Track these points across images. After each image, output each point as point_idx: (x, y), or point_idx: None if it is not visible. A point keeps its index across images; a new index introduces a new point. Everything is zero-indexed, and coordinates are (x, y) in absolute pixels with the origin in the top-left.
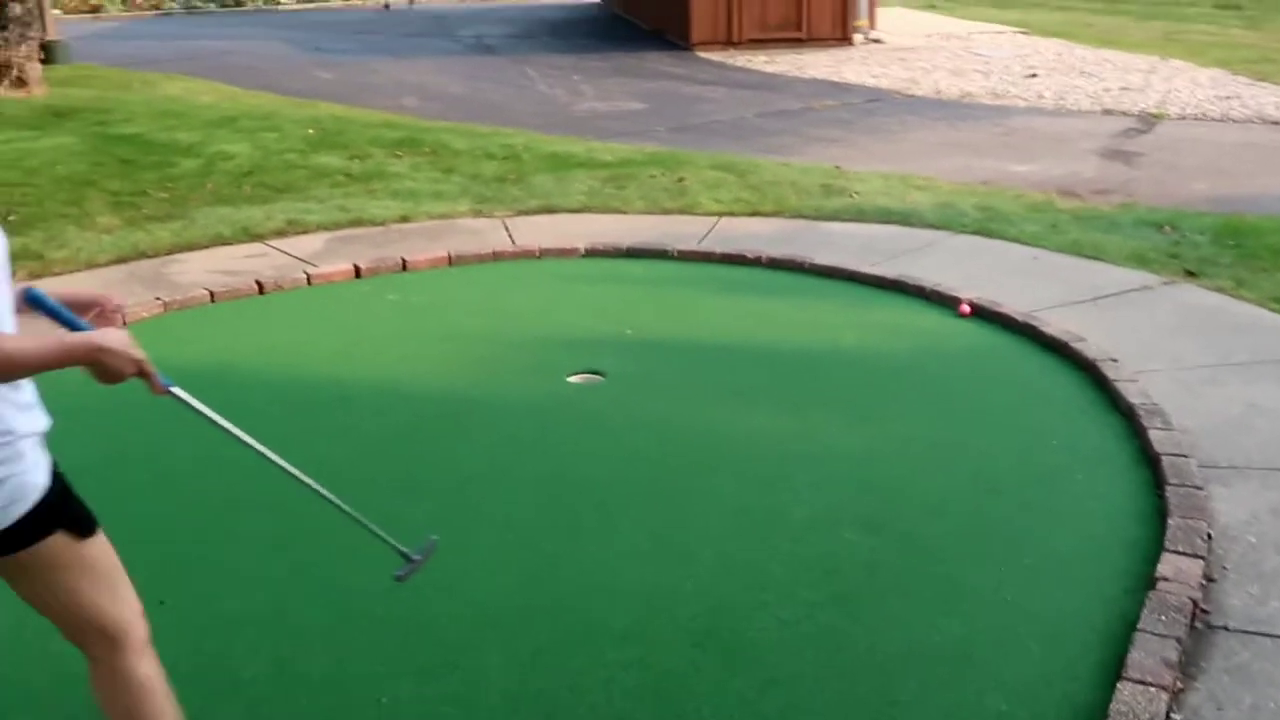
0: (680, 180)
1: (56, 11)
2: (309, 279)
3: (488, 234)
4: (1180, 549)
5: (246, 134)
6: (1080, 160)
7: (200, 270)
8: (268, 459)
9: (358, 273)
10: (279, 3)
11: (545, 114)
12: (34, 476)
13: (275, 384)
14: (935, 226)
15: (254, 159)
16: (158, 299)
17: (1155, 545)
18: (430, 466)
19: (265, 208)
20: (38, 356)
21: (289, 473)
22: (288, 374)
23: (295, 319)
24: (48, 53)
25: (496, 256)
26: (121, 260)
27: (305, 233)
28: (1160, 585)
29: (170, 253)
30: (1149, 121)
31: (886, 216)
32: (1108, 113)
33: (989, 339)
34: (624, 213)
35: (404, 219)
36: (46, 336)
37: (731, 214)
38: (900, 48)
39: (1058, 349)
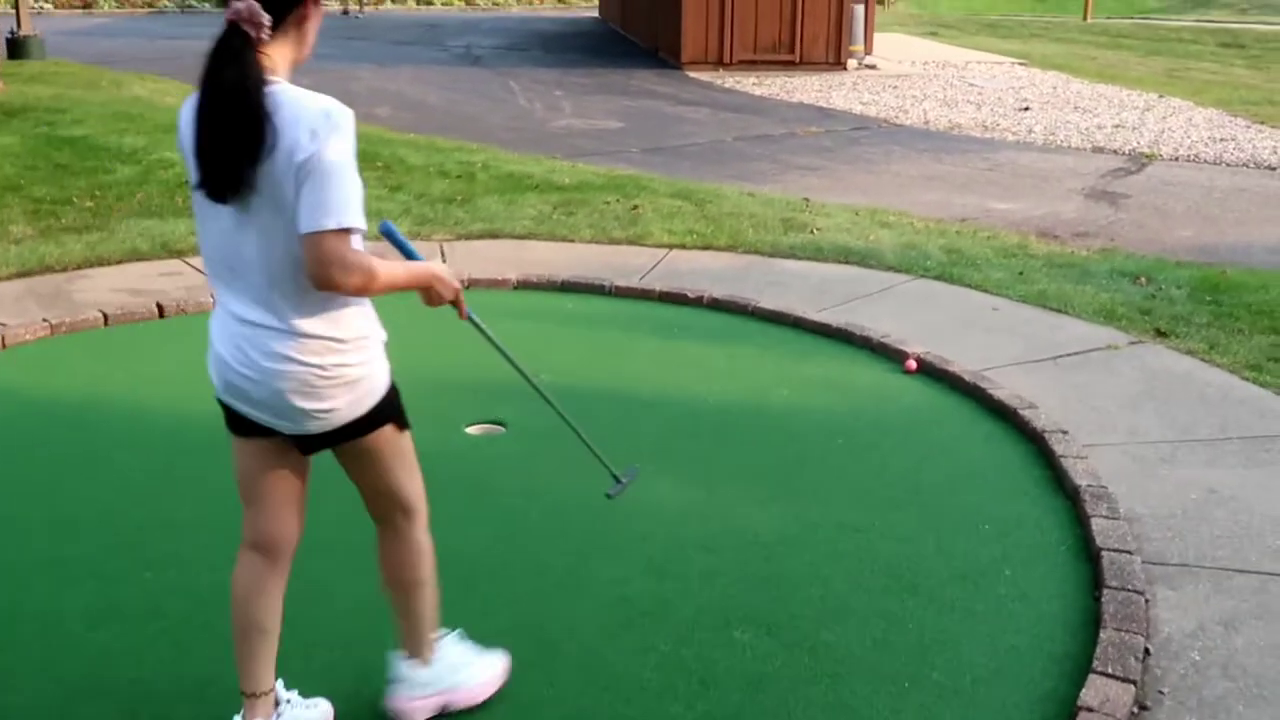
0: (634, 208)
1: (48, 5)
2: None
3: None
4: (1111, 670)
5: None
6: (1064, 200)
7: (105, 289)
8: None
9: None
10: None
11: (518, 129)
12: (383, 375)
13: (131, 425)
14: (895, 269)
15: None
16: (45, 320)
17: (1084, 661)
18: None
19: (191, 221)
20: (395, 277)
21: (535, 387)
22: (155, 411)
23: (187, 347)
24: (19, 48)
25: None
26: (24, 274)
27: None
28: (1082, 717)
29: (80, 267)
30: (1139, 161)
31: (845, 255)
32: (1098, 150)
33: (933, 400)
34: (571, 241)
35: None
36: (396, 262)
37: (683, 246)
38: (894, 74)
39: (1006, 415)
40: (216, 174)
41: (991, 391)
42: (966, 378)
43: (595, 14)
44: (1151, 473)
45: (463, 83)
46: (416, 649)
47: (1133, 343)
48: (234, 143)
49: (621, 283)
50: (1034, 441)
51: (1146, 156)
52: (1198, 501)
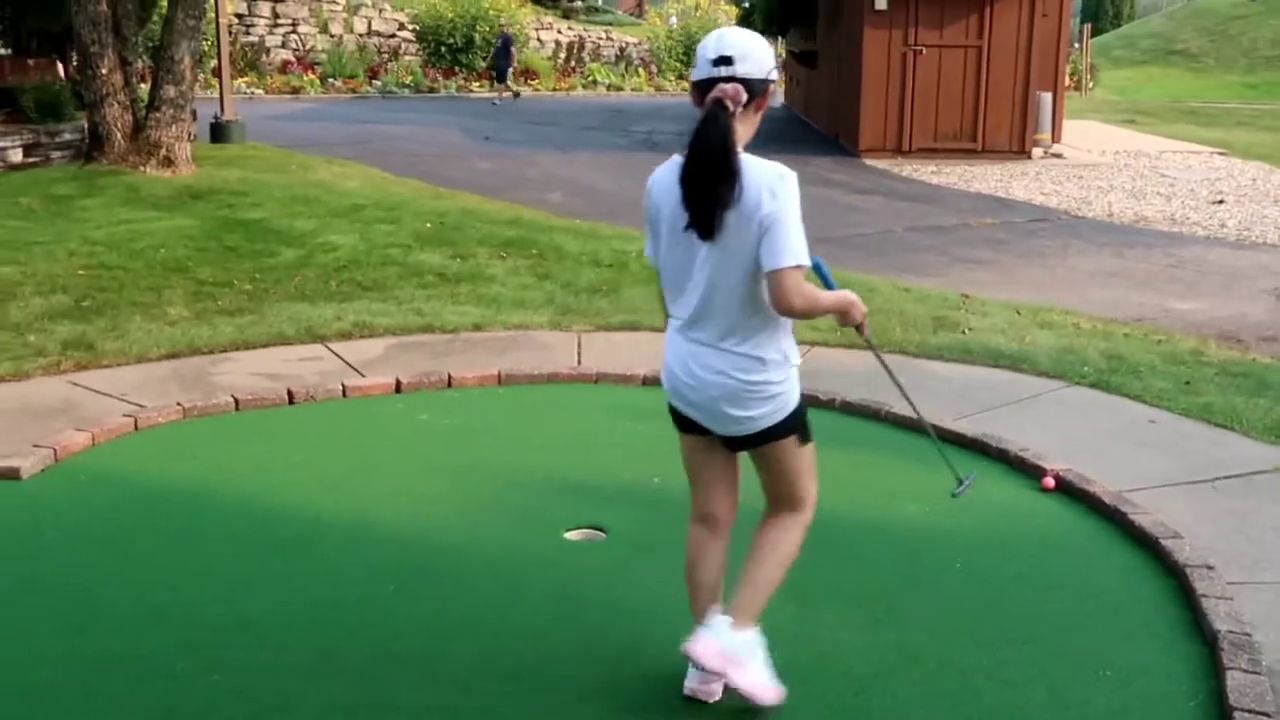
0: None
1: (259, 90)
2: (344, 391)
3: (557, 349)
4: None
5: (363, 224)
6: (1252, 300)
7: (246, 373)
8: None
9: (398, 387)
10: (470, 90)
11: None
12: (796, 394)
13: (235, 514)
14: (1048, 374)
15: (355, 252)
16: (178, 404)
17: None
18: (347, 635)
19: (341, 306)
20: (824, 302)
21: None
22: (259, 503)
23: (308, 437)
24: (221, 132)
25: (550, 379)
26: (173, 355)
27: (371, 336)
28: None
29: (226, 350)
30: None
31: (996, 359)
32: None
33: (1067, 524)
34: None
35: (477, 327)
36: (824, 291)
37: (825, 344)
38: (1081, 164)
39: (1147, 544)
40: (702, 217)
41: (1133, 516)
42: (1107, 499)
43: (781, 100)
44: None
45: (638, 169)
46: (741, 614)
47: None
48: (714, 192)
49: None
50: (1175, 576)
51: None
52: None
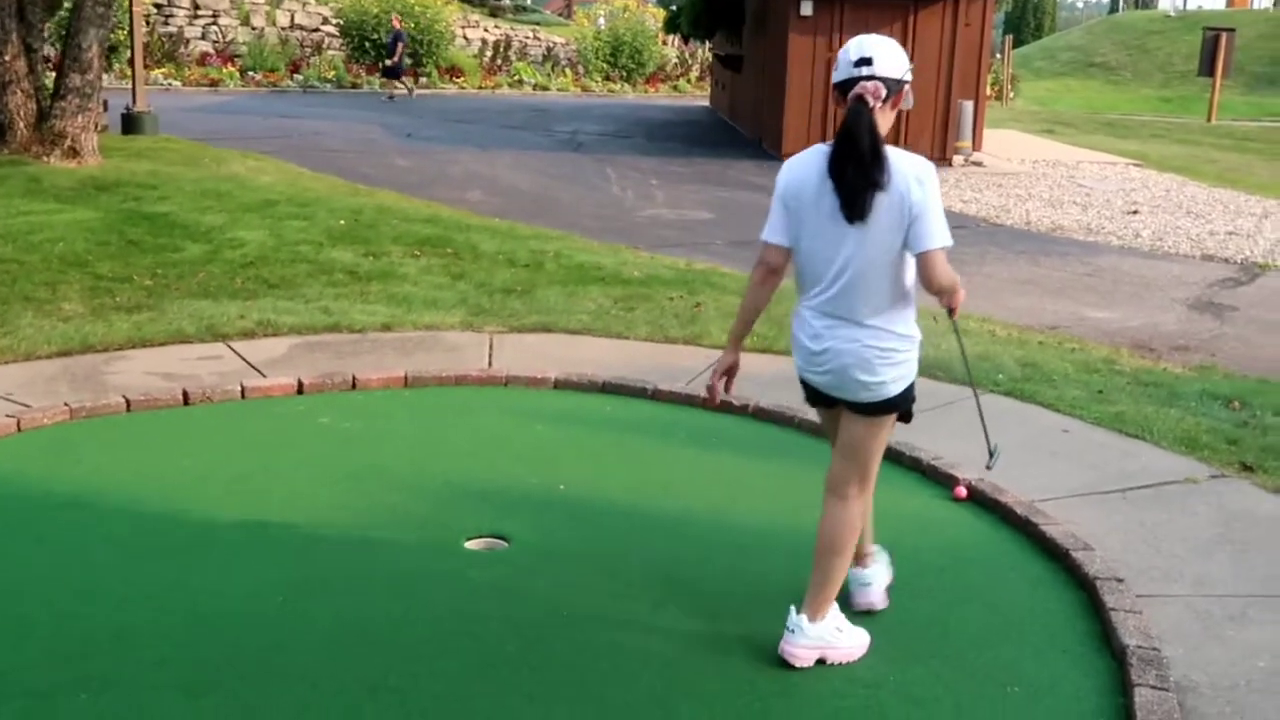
0: (697, 305)
1: (176, 82)
2: (243, 391)
3: (467, 351)
4: None
5: (275, 220)
6: (1165, 310)
7: (140, 372)
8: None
9: (300, 388)
10: (394, 88)
11: (606, 217)
12: (914, 371)
13: (120, 520)
14: (961, 381)
15: (264, 248)
16: (65, 405)
17: None
18: (228, 650)
19: (245, 304)
20: (956, 281)
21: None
22: (146, 508)
23: (202, 440)
24: (133, 124)
25: (459, 381)
26: (65, 353)
27: (275, 335)
28: None
29: (122, 348)
30: (1252, 271)
31: None
32: (1208, 258)
33: (978, 535)
34: (625, 338)
35: (386, 327)
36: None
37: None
38: (1000, 172)
39: (1058, 556)
40: (854, 201)
41: (1044, 527)
42: (1019, 510)
43: (706, 103)
44: (1216, 633)
45: (560, 168)
46: (814, 607)
47: (1214, 476)
48: (867, 176)
49: (665, 386)
50: (1085, 589)
51: (1260, 266)
52: (1266, 671)
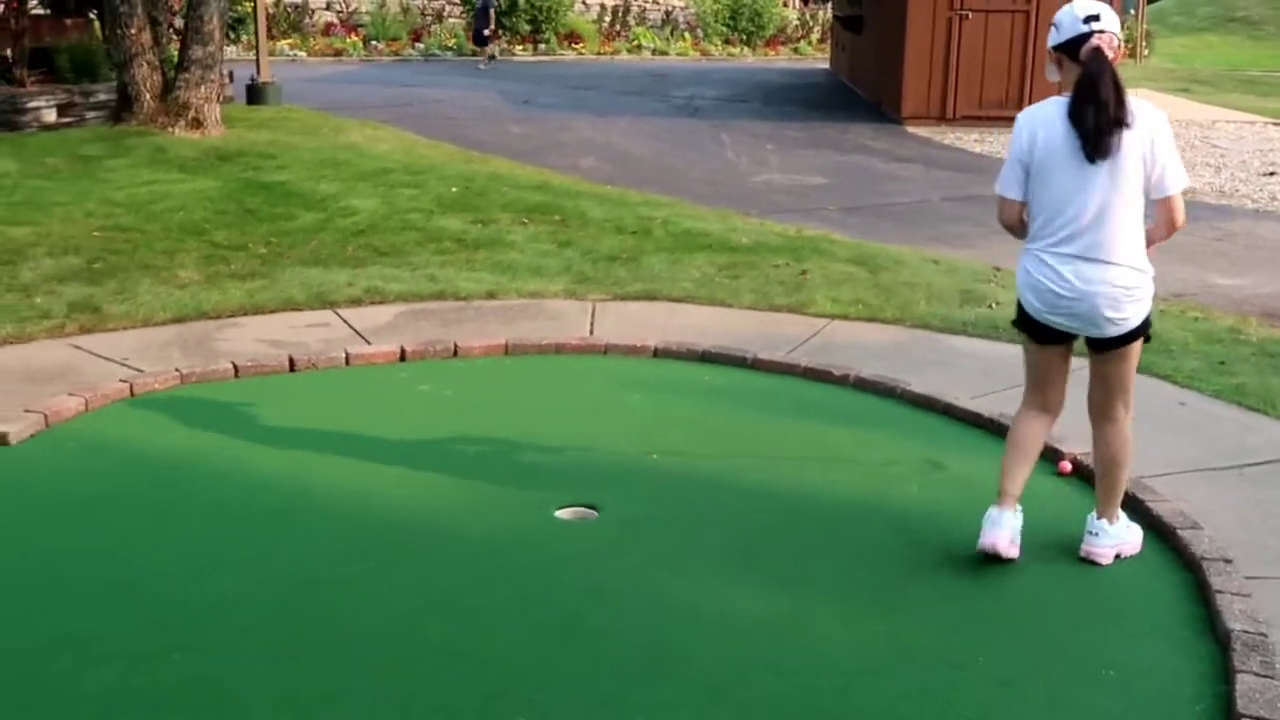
0: (803, 273)
1: (301, 53)
2: (347, 359)
3: (569, 319)
4: None
5: (387, 188)
6: None
7: (250, 339)
8: None
9: (403, 355)
10: (513, 54)
11: (718, 183)
12: (1151, 301)
13: (220, 485)
14: (1077, 353)
15: (375, 216)
16: (176, 370)
17: None
18: (314, 617)
19: (354, 272)
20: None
21: None
22: (245, 474)
23: (304, 406)
24: (256, 94)
25: (559, 349)
26: (179, 319)
27: (381, 303)
28: None
29: (234, 315)
30: None
31: None
32: None
33: (1082, 512)
34: (729, 306)
35: (490, 295)
36: None
37: (845, 317)
38: None
39: (1164, 535)
40: (1101, 139)
41: (1151, 504)
42: (1127, 486)
43: (826, 66)
44: None
45: (675, 134)
46: (1109, 512)
47: None
48: (1116, 116)
49: (766, 355)
50: (1191, 569)
51: None
52: None
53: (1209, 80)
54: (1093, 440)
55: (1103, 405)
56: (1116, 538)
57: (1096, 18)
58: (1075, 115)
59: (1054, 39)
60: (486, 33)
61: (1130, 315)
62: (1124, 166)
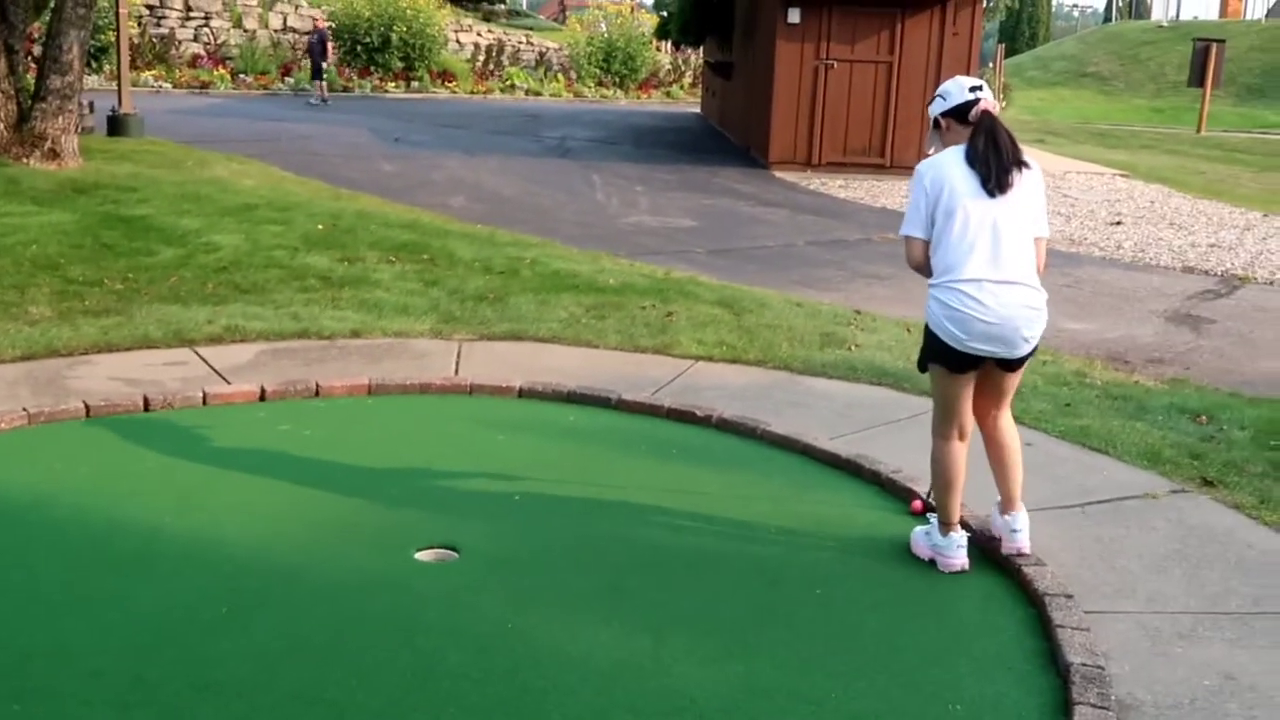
0: (669, 315)
1: (166, 85)
2: (205, 398)
3: (434, 359)
4: None
5: (251, 225)
6: (1143, 322)
7: (103, 377)
8: None
9: (263, 395)
10: (386, 91)
11: (587, 224)
12: None
13: (69, 529)
14: (928, 394)
15: (238, 253)
16: (23, 410)
17: None
18: (167, 663)
19: (214, 309)
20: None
21: None
22: (96, 518)
23: (159, 447)
24: (118, 126)
25: (423, 389)
26: (29, 357)
27: (242, 341)
28: None
29: (87, 353)
30: (1231, 284)
31: (880, 376)
32: (1188, 270)
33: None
34: (595, 346)
35: (355, 334)
36: None
37: (710, 359)
38: None
39: (1010, 572)
40: (1003, 177)
41: (999, 544)
42: (974, 524)
43: (697, 110)
44: (1164, 650)
45: (546, 174)
46: (1018, 500)
47: (1174, 491)
48: (1015, 157)
49: (630, 396)
50: (1035, 605)
51: (1240, 279)
52: (1211, 689)
53: (1063, 132)
54: (989, 442)
55: (996, 408)
56: (1027, 524)
57: (980, 87)
58: (977, 158)
59: (941, 107)
60: (325, 64)
61: (1038, 333)
62: (1021, 200)
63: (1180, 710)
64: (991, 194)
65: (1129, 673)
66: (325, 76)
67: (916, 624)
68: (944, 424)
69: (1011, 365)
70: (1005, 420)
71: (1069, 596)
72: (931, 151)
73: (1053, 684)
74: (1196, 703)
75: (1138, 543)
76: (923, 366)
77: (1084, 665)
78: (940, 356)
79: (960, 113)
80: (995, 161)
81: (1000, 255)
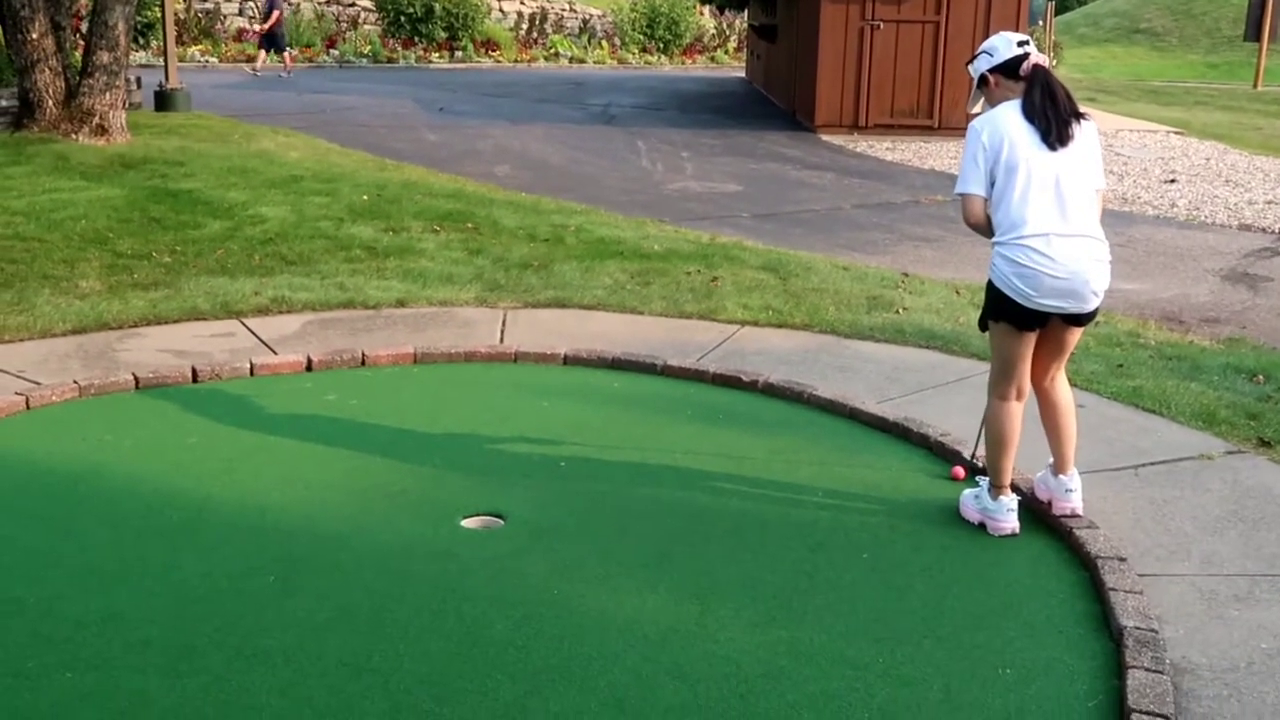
0: (714, 280)
1: (213, 59)
2: (252, 369)
3: (479, 327)
4: None
5: (297, 196)
6: (1198, 281)
7: (152, 349)
8: None
9: (309, 365)
10: (430, 62)
11: (632, 190)
12: None
13: (118, 499)
14: (978, 356)
15: (284, 225)
16: (74, 382)
17: None
18: (215, 631)
19: (261, 280)
20: None
21: None
22: (144, 488)
23: (207, 418)
24: (165, 101)
25: (468, 357)
26: (80, 330)
27: (289, 312)
28: None
29: (136, 325)
30: None
31: (928, 339)
32: (1245, 228)
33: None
34: (640, 313)
35: (400, 303)
36: None
37: (755, 323)
38: None
39: (1061, 535)
40: (1064, 129)
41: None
42: (1024, 487)
43: (742, 74)
44: (1219, 613)
45: (591, 141)
46: (1071, 461)
47: (1230, 452)
48: (1072, 109)
49: (675, 362)
50: (1087, 568)
51: None
52: (1268, 653)
53: (1115, 90)
54: (1044, 403)
55: (1051, 370)
56: (1077, 488)
57: (1027, 42)
58: (1035, 112)
59: (989, 63)
60: (276, 31)
61: (1104, 286)
62: (1081, 152)
63: (1237, 674)
64: (1053, 147)
65: (1183, 636)
66: (287, 47)
67: (965, 588)
68: (1003, 383)
69: (1080, 320)
70: (1062, 381)
71: (1122, 559)
72: (976, 110)
73: (1105, 648)
74: (1254, 666)
75: (1192, 504)
76: (984, 325)
77: (1137, 629)
78: (1008, 314)
79: (1010, 68)
80: (1055, 114)
81: (1066, 208)
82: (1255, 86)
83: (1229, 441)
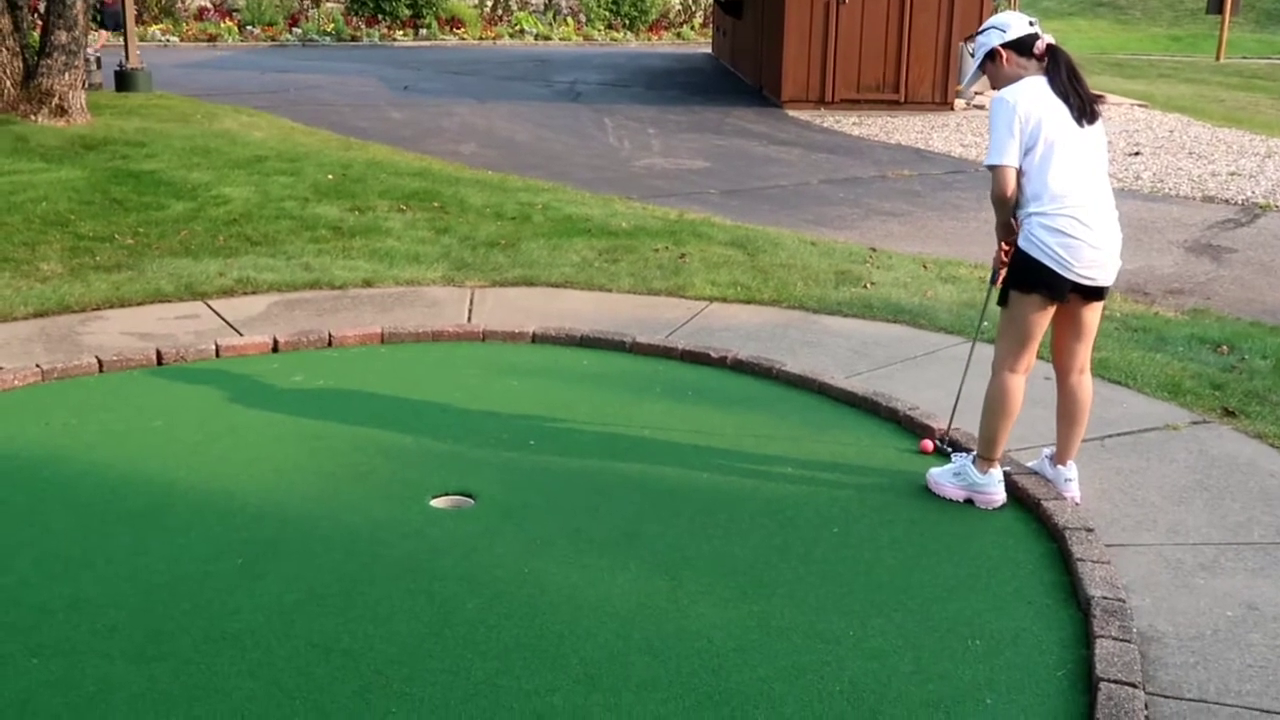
0: (681, 256)
1: (174, 39)
2: (218, 351)
3: (446, 307)
4: None
5: (261, 176)
6: (1162, 253)
7: (116, 332)
8: None
9: (275, 346)
10: (394, 40)
11: (599, 168)
12: None
13: (83, 484)
14: (946, 330)
15: (248, 205)
16: (36, 366)
17: None
18: (182, 615)
19: (225, 261)
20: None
21: None
22: (109, 472)
23: (172, 400)
24: (125, 81)
25: (435, 337)
26: (41, 314)
27: (254, 293)
28: None
29: (99, 308)
30: (1252, 212)
31: (896, 314)
32: (1209, 200)
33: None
34: (608, 290)
35: (366, 283)
36: None
37: (723, 299)
38: None
39: (1028, 506)
40: (1090, 108)
41: (1017, 477)
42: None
43: (708, 50)
44: (1185, 582)
45: (557, 119)
46: (1073, 454)
47: (1195, 422)
48: (1089, 90)
49: (644, 339)
50: (1054, 539)
51: (1261, 207)
52: (1233, 620)
53: (1080, 63)
54: (1066, 395)
55: (1080, 356)
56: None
57: (1035, 21)
58: (1064, 90)
59: (1001, 39)
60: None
61: (1119, 264)
62: (1100, 131)
63: (1203, 641)
64: (1081, 125)
65: (1150, 605)
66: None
67: (934, 560)
68: (1018, 357)
69: (1100, 294)
70: (1089, 375)
71: (1089, 530)
72: (974, 89)
73: (1073, 617)
74: (1219, 634)
75: (1158, 475)
76: (1005, 299)
77: (1105, 598)
78: (1043, 286)
79: (1024, 45)
80: (1083, 93)
81: (1096, 183)
82: (1218, 59)
83: (1194, 412)
